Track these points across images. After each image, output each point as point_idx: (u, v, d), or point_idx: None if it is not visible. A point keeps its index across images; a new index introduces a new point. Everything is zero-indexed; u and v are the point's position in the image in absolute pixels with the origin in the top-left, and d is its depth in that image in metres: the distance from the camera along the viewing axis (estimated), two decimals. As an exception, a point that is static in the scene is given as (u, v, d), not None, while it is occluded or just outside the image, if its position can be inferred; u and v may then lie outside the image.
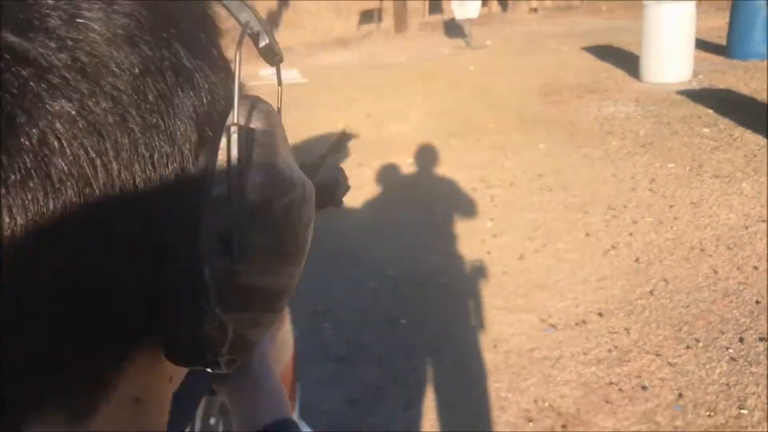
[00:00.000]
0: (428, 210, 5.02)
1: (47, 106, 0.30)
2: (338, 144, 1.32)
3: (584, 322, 3.48)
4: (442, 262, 4.24)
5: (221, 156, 0.35)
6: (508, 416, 2.86)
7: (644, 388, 2.96)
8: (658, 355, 3.17)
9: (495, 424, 2.83)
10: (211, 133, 0.36)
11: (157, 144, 0.33)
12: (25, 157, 0.29)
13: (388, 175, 5.84)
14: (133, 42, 0.33)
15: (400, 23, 13.95)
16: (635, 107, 7.27)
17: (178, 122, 0.34)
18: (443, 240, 4.55)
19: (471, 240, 4.52)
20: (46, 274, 0.30)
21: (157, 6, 0.34)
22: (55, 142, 0.30)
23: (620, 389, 2.96)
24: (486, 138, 6.66)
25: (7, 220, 0.29)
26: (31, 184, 0.29)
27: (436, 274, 4.08)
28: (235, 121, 0.35)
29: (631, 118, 6.87)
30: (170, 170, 0.34)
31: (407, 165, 6.05)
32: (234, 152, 0.34)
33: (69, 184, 0.30)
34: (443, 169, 5.90)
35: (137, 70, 0.33)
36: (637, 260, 4.05)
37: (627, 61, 9.13)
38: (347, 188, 0.95)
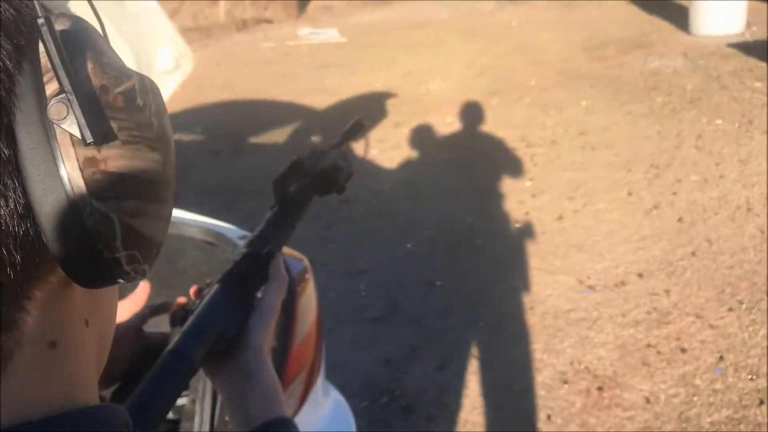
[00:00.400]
0: (466, 170, 4.96)
1: None
2: (352, 131, 1.27)
3: (623, 283, 3.41)
4: (480, 223, 4.20)
5: (43, 58, 0.36)
6: (543, 377, 2.84)
7: (683, 350, 2.90)
8: (698, 317, 3.10)
9: (529, 385, 2.81)
10: (24, 42, 0.36)
11: None
12: None
13: (426, 134, 5.77)
14: None
15: (442, -21, 13.67)
16: (683, 61, 7.03)
17: None
18: (481, 200, 4.50)
19: (509, 200, 4.45)
20: None
21: None
22: None
23: (658, 351, 2.91)
24: (527, 95, 6.53)
25: None
26: None
27: (473, 235, 4.04)
28: (40, 16, 0.36)
29: (678, 73, 6.65)
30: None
31: (446, 124, 5.97)
32: (51, 45, 0.35)
33: None
34: (483, 128, 5.81)
35: None
36: (680, 220, 3.94)
37: (676, 13, 8.81)
38: (350, 173, 0.92)
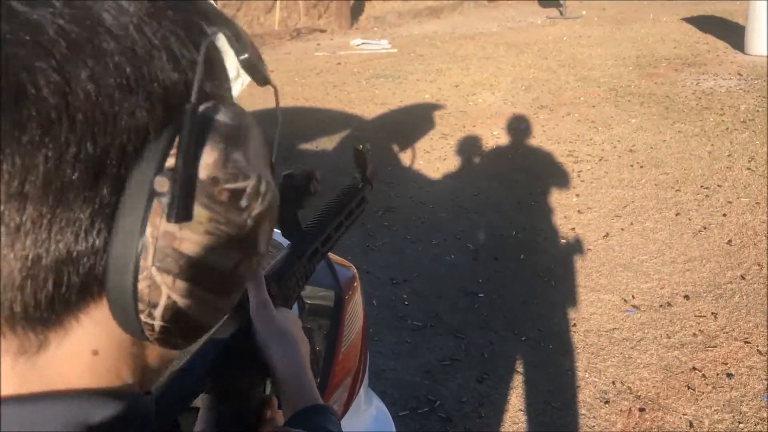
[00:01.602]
0: (512, 183, 4.95)
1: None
2: (358, 161, 1.23)
3: (669, 304, 3.37)
4: (524, 237, 4.18)
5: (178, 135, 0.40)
6: (584, 396, 2.82)
7: (730, 375, 2.85)
8: (747, 342, 3.04)
9: (570, 402, 2.79)
10: (174, 114, 0.40)
11: (126, 106, 0.38)
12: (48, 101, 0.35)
13: (472, 146, 5.78)
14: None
15: (493, -8, 13.66)
16: (737, 81, 6.91)
17: (148, 101, 0.39)
18: (526, 214, 4.49)
19: (555, 216, 4.43)
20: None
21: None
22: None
23: (704, 375, 2.87)
24: (576, 111, 6.49)
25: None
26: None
27: (516, 249, 4.03)
28: (193, 100, 0.39)
29: (731, 93, 6.54)
30: (135, 139, 0.39)
31: (493, 137, 5.97)
32: (187, 128, 0.39)
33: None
34: (530, 142, 5.79)
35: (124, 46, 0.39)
36: (729, 242, 3.88)
37: (730, 32, 8.67)
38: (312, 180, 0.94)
